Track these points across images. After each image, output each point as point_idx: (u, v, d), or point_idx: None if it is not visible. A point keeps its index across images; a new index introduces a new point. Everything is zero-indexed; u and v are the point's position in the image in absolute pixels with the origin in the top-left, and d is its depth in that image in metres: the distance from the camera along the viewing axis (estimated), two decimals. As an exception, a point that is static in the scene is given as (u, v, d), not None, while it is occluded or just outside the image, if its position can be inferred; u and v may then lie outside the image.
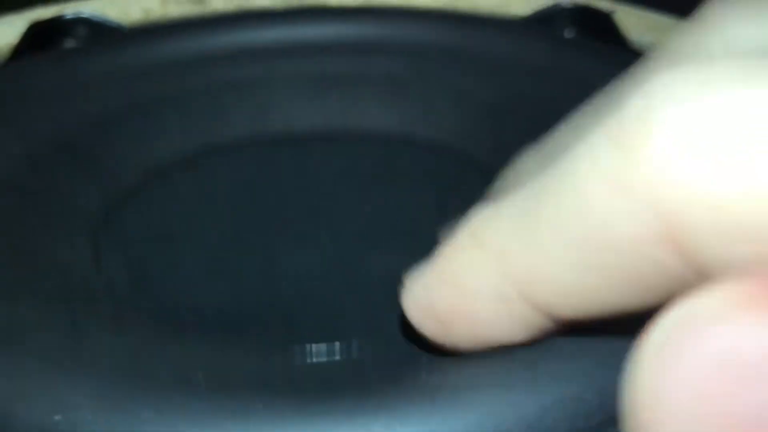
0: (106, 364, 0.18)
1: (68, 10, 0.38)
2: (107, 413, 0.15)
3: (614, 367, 0.17)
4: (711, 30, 0.17)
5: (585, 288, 0.13)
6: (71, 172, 0.30)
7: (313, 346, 0.20)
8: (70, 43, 0.36)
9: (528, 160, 0.23)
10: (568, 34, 0.38)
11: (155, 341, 0.20)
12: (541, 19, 0.39)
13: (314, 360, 0.19)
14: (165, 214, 0.30)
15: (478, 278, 0.15)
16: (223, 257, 0.27)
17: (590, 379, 0.17)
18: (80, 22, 0.37)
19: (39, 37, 0.36)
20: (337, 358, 0.20)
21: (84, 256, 0.27)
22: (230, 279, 0.26)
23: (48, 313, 0.21)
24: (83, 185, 0.30)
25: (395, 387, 0.16)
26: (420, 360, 0.18)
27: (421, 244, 0.28)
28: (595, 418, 0.16)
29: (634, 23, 0.38)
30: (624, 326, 0.18)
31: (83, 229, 0.28)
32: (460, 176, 0.32)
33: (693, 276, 0.11)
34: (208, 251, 0.27)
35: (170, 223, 0.29)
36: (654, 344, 0.10)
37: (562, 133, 0.21)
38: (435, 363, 0.18)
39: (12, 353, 0.18)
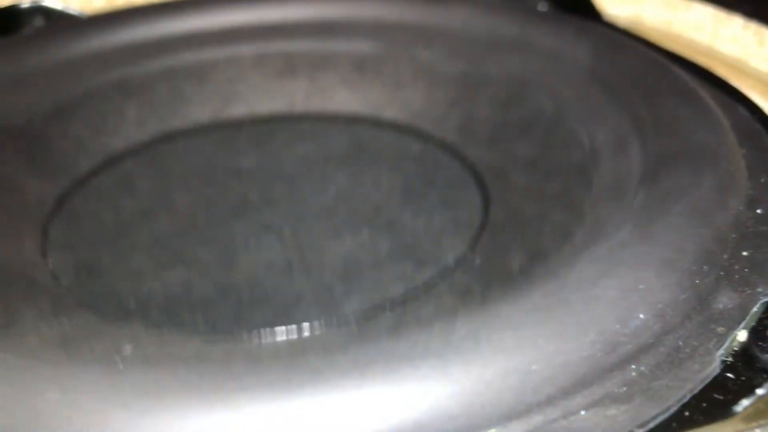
0: (25, 348, 0.17)
1: (27, -1, 0.37)
2: (11, 395, 0.14)
3: (567, 336, 0.16)
4: None
5: None
6: (22, 161, 0.29)
7: (253, 329, 0.19)
8: (26, 32, 0.35)
9: None
10: (542, 7, 0.36)
11: (89, 326, 0.19)
12: (514, -5, 0.37)
13: (250, 342, 0.18)
14: (119, 203, 0.29)
15: None
16: (177, 245, 0.26)
17: (537, 349, 0.15)
18: (37, 11, 0.36)
19: (-6, 26, 0.35)
20: (275, 339, 0.19)
21: (31, 246, 0.26)
22: (182, 267, 0.25)
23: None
24: (34, 174, 0.29)
25: (324, 363, 0.15)
26: (361, 338, 0.17)
27: (382, 226, 0.28)
28: (544, 390, 0.15)
29: (609, -4, 0.37)
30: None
31: (32, 219, 0.27)
32: (427, 157, 0.31)
33: None
34: (162, 240, 0.26)
35: (124, 212, 0.28)
36: None
37: None
38: (376, 340, 0.17)
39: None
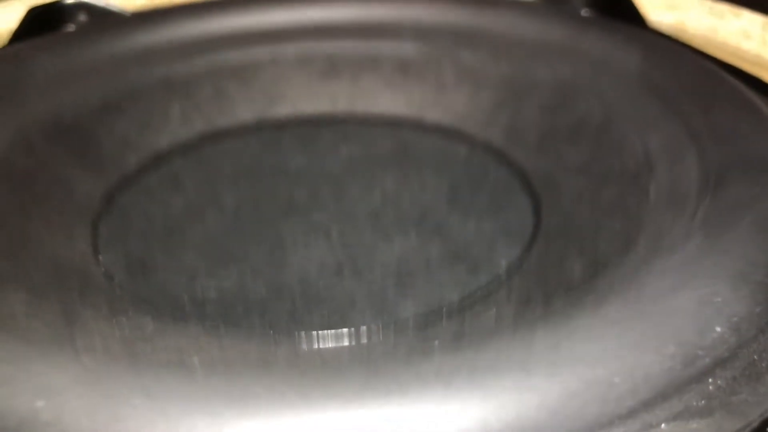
0: (95, 349, 0.16)
1: (69, -5, 0.37)
2: (93, 398, 0.14)
3: (647, 348, 0.16)
4: None
5: None
6: (69, 159, 0.29)
7: (318, 331, 0.19)
8: (69, 29, 0.35)
9: None
10: (585, 13, 0.36)
11: (151, 327, 0.19)
12: (557, -1, 0.37)
13: (319, 346, 0.18)
14: (167, 201, 0.29)
15: None
16: (227, 245, 0.26)
17: (619, 362, 0.15)
18: (81, 7, 0.36)
19: (38, 22, 0.35)
20: (344, 343, 0.18)
21: (82, 244, 0.26)
22: (234, 267, 0.25)
23: (40, 300, 0.20)
24: (82, 172, 0.29)
25: (406, 371, 0.15)
26: (432, 344, 0.17)
27: (431, 230, 0.27)
28: (625, 403, 0.15)
29: (652, 1, 0.37)
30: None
31: (82, 216, 0.27)
32: (473, 161, 0.30)
33: None
34: (211, 239, 0.26)
35: (172, 210, 0.28)
36: None
37: None
38: (450, 346, 0.16)
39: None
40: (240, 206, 0.28)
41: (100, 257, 0.25)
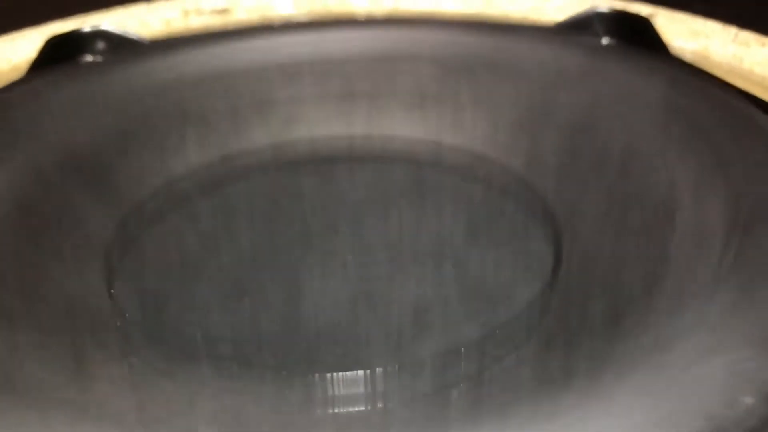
0: (111, 411, 0.16)
1: (87, 24, 0.37)
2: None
3: (675, 423, 0.15)
4: None
5: None
6: (85, 191, 0.29)
7: (335, 378, 0.19)
8: (88, 58, 0.35)
9: None
10: (606, 41, 0.36)
11: (167, 383, 0.19)
12: (577, 26, 0.37)
13: (336, 393, 0.18)
14: (182, 237, 0.28)
15: None
16: (242, 284, 0.26)
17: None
18: (99, 35, 0.36)
19: (57, 51, 0.35)
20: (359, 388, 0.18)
21: (95, 282, 0.26)
22: (250, 307, 0.25)
23: (51, 347, 0.20)
24: (97, 205, 0.29)
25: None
26: (451, 405, 0.16)
27: (449, 267, 0.27)
28: None
29: (675, 29, 0.36)
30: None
31: (95, 252, 0.27)
32: (491, 195, 0.30)
33: None
34: (227, 277, 0.26)
35: (187, 247, 0.28)
36: None
37: None
38: (469, 411, 0.16)
39: (7, 395, 0.16)
40: (256, 240, 0.28)
41: (113, 292, 0.25)
